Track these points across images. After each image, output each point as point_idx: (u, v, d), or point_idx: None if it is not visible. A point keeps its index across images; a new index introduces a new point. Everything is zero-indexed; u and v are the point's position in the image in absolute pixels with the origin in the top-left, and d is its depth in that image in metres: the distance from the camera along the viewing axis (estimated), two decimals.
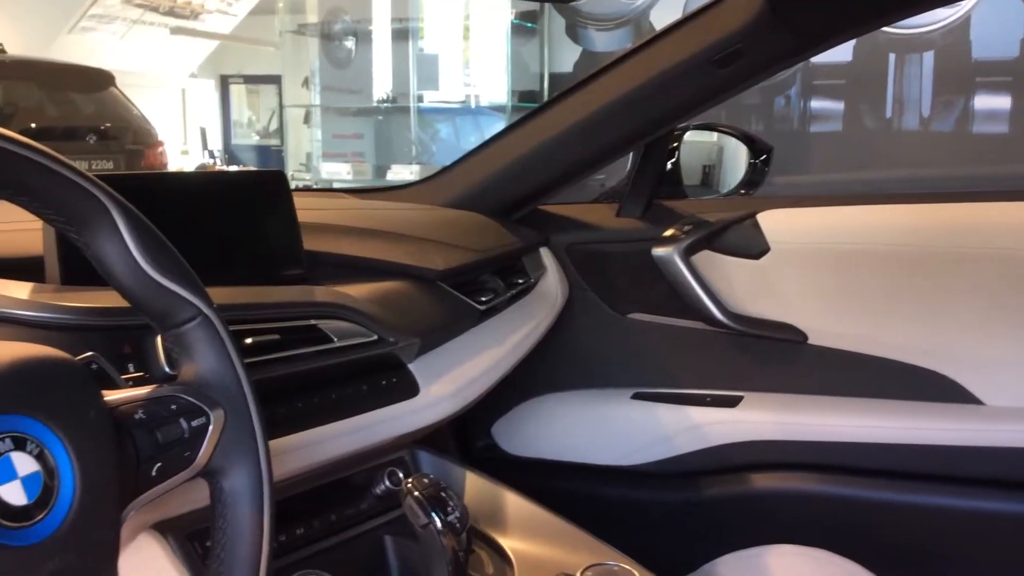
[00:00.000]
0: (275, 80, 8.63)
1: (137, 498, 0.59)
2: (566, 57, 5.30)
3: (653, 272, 1.52)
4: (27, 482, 0.51)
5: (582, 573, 0.90)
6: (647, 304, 1.58)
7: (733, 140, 1.92)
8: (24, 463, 0.51)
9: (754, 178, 1.77)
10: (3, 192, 0.56)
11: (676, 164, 1.67)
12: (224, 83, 8.90)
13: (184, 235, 0.82)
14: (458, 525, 0.87)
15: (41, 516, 0.51)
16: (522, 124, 1.55)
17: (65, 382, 0.55)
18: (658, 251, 1.50)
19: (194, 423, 0.63)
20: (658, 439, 1.51)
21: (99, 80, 5.25)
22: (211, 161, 8.25)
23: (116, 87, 5.34)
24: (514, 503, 1.06)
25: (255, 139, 8.91)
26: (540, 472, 1.59)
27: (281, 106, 8.54)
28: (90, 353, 0.67)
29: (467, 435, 1.65)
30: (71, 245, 0.91)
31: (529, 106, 5.45)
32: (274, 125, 8.69)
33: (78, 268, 0.91)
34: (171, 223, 0.72)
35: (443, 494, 0.88)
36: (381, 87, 6.18)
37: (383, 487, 1.03)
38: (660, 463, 1.51)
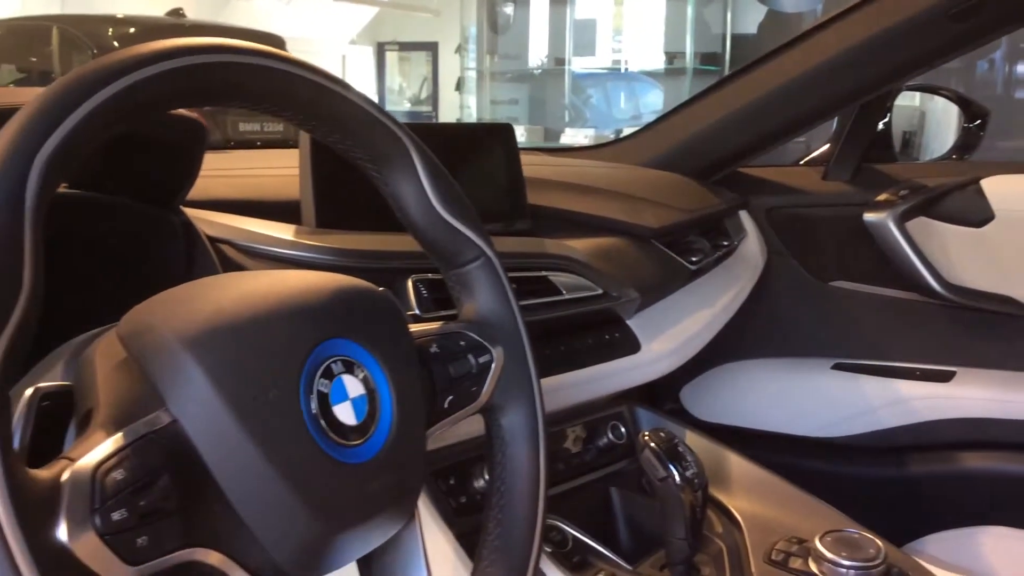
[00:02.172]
0: (431, 47, 8.76)
1: (430, 428, 0.61)
2: (749, 17, 5.13)
3: (861, 238, 1.46)
4: (356, 404, 0.53)
5: (820, 539, 0.88)
6: (852, 271, 1.52)
7: (935, 106, 1.82)
8: (353, 386, 0.53)
9: (968, 142, 1.66)
10: (326, 130, 0.59)
11: (888, 126, 1.59)
12: (380, 50, 9.09)
13: None
14: (696, 481, 0.86)
15: (366, 437, 0.53)
16: (725, 84, 1.51)
17: (382, 312, 0.57)
18: (870, 216, 1.43)
19: (481, 359, 0.64)
20: (860, 411, 1.46)
21: (270, 44, 5.46)
22: None
23: (285, 52, 5.54)
24: (738, 465, 1.05)
25: (407, 106, 9.08)
26: (730, 439, 1.57)
27: (436, 73, 8.66)
28: (384, 288, 0.69)
29: (654, 397, 1.64)
30: (326, 190, 0.96)
31: (710, 69, 5.31)
32: (424, 92, 8.83)
33: (331, 212, 0.94)
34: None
35: (680, 449, 0.88)
36: (537, 52, 6.17)
37: (606, 440, 1.03)
38: (862, 436, 1.45)
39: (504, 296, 0.67)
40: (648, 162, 1.54)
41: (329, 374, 0.52)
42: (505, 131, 1.10)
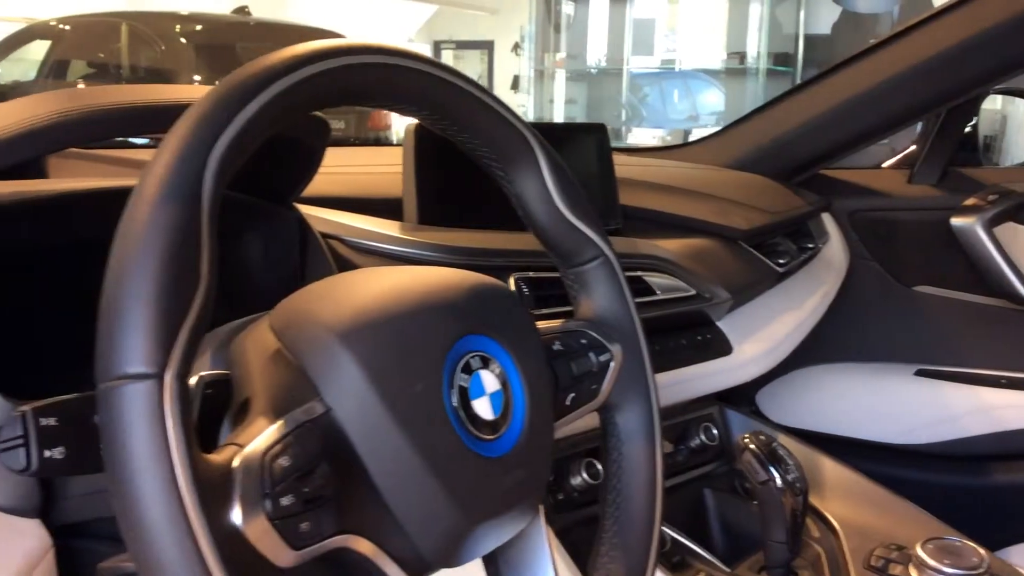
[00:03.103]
0: (487, 46, 8.79)
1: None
2: (823, 17, 5.06)
3: (947, 243, 1.44)
4: (493, 399, 0.54)
5: (921, 547, 0.87)
6: (937, 277, 1.50)
7: (1017, 109, 1.78)
8: (490, 381, 0.54)
9: None
10: (457, 129, 0.60)
11: (975, 129, 1.56)
12: (436, 48, 9.15)
13: None
14: (797, 485, 0.86)
15: (501, 432, 0.54)
16: (809, 86, 1.50)
17: (514, 309, 0.58)
18: (957, 221, 1.41)
19: (601, 357, 0.65)
20: (943, 419, 1.44)
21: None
22: None
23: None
24: (832, 469, 1.04)
25: None
26: (806, 443, 1.55)
27: (491, 71, 8.68)
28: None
29: (730, 400, 1.64)
30: (428, 188, 0.97)
31: (782, 69, 5.23)
32: None
33: (432, 209, 0.96)
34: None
35: (780, 452, 0.88)
36: (595, 52, 6.15)
37: (698, 441, 1.03)
38: (944, 444, 1.43)
39: (622, 296, 0.68)
40: (729, 163, 1.53)
41: (468, 369, 0.53)
42: (599, 131, 1.10)
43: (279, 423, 0.46)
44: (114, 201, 0.67)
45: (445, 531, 0.51)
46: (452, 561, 0.53)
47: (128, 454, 0.39)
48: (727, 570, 0.90)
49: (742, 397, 1.62)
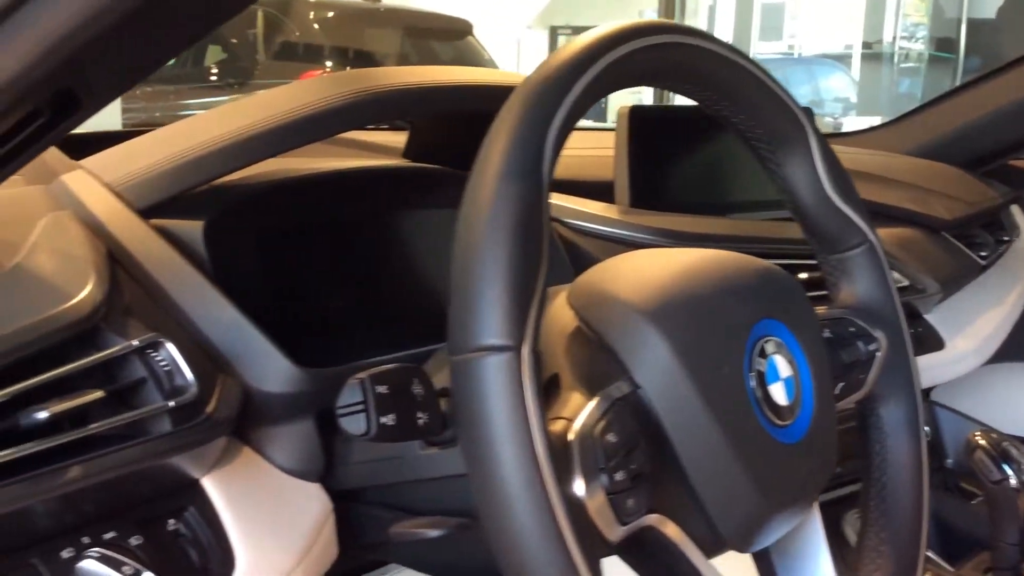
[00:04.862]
0: None
1: None
2: (988, 2, 4.84)
3: None
4: (787, 384, 0.53)
5: None
6: None
7: None
8: (783, 366, 0.53)
9: None
10: (735, 110, 0.59)
11: None
12: (554, 34, 9.13)
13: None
14: None
15: (793, 418, 0.53)
16: (1002, 73, 1.42)
17: (797, 294, 0.57)
18: None
19: (869, 347, 0.63)
20: None
21: (459, 29, 5.59)
22: None
23: (473, 36, 5.66)
24: None
25: None
26: None
27: None
28: None
29: None
30: (640, 172, 0.97)
31: (944, 56, 5.03)
32: None
33: (643, 193, 0.95)
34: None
35: (1013, 451, 0.84)
36: (723, 37, 6.02)
37: None
38: None
39: (885, 284, 0.66)
40: (912, 150, 1.47)
41: (763, 353, 0.52)
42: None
43: (596, 399, 0.47)
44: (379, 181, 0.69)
45: (746, 515, 0.50)
46: (747, 546, 0.52)
47: (488, 423, 0.40)
48: (951, 569, 0.87)
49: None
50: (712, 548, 0.51)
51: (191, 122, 0.68)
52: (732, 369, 0.50)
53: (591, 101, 0.47)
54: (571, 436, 0.44)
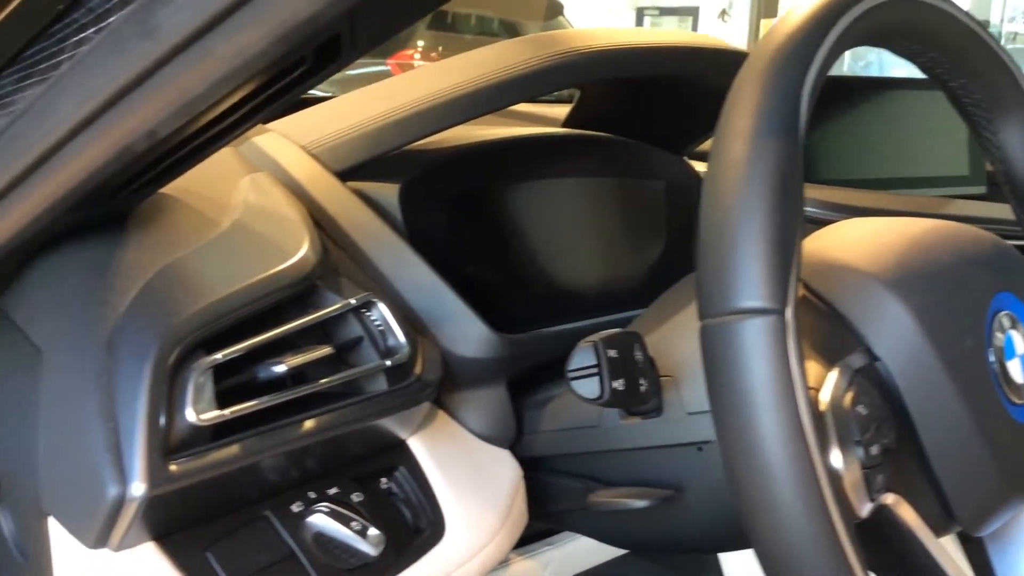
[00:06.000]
0: (691, 12, 8.56)
1: None
2: None
3: None
4: (1023, 360, 0.51)
5: None
6: None
7: None
8: (1020, 342, 0.51)
9: None
10: (957, 74, 0.56)
11: None
12: (640, 15, 9.01)
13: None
14: None
15: None
16: None
17: None
18: None
19: None
20: None
21: (550, 8, 5.56)
22: None
23: (564, 16, 5.63)
24: None
25: None
26: None
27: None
28: None
29: None
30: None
31: None
32: None
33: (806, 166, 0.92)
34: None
35: None
36: None
37: None
38: None
39: None
40: None
41: (1001, 328, 0.50)
42: None
43: (836, 370, 0.45)
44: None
45: (983, 497, 0.48)
46: (978, 528, 0.50)
47: (751, 389, 0.39)
48: None
49: None
50: (941, 528, 0.49)
51: (385, 85, 0.68)
52: (975, 343, 0.48)
53: (835, 58, 0.46)
54: (823, 406, 0.43)
